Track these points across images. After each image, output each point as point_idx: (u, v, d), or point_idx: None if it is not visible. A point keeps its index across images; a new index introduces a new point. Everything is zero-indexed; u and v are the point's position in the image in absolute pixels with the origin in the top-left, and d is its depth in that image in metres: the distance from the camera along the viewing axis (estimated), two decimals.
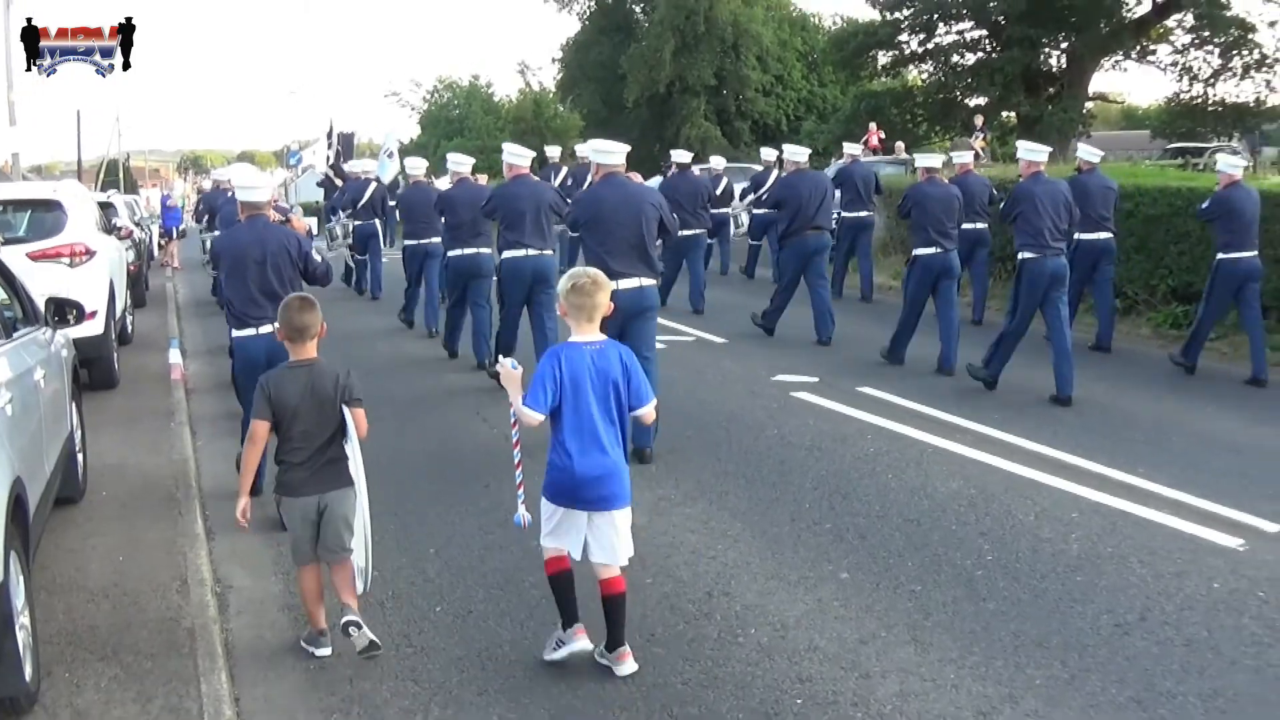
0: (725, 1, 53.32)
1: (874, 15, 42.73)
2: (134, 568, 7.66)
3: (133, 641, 6.46)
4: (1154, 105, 53.03)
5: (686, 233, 18.42)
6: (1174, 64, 39.22)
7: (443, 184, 18.35)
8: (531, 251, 12.60)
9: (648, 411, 6.29)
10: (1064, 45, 39.59)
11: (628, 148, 10.77)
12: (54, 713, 5.67)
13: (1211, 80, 38.43)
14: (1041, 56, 39.77)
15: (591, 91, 60.18)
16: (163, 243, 37.54)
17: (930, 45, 42.44)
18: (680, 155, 20.98)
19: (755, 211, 23.43)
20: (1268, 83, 37.90)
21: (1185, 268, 15.79)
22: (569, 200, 12.91)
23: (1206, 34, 37.51)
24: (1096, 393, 12.84)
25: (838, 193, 19.71)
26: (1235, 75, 37.99)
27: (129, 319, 17.81)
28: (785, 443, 10.70)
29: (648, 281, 10.12)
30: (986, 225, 17.17)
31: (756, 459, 10.18)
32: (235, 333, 8.98)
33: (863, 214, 20.36)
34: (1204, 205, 14.22)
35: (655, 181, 22.67)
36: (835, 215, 19.90)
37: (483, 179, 19.65)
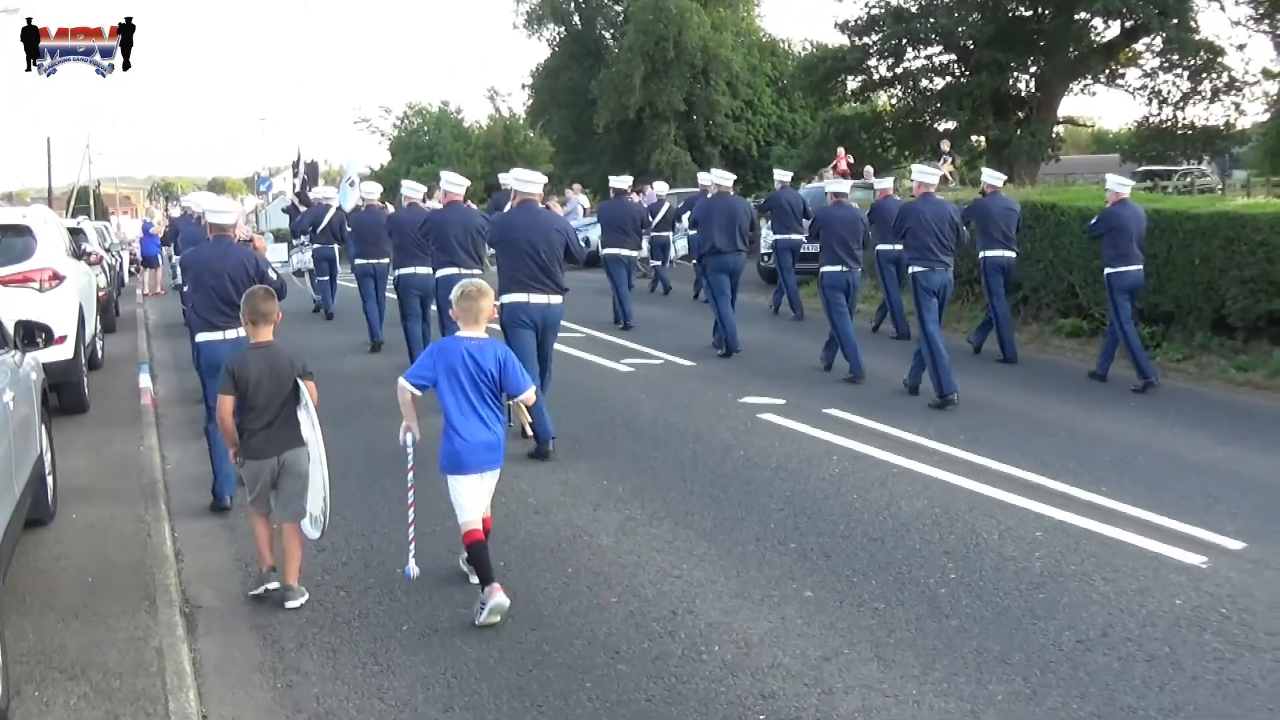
0: (695, 27, 53.32)
1: (843, 40, 42.61)
2: (103, 588, 7.70)
3: (101, 660, 6.51)
4: (1124, 129, 53.25)
5: (618, 251, 20.84)
6: (1143, 88, 39.26)
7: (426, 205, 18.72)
8: (463, 270, 13.79)
9: (527, 397, 7.52)
10: (1033, 69, 39.53)
11: (544, 178, 12.48)
12: None
13: (1181, 103, 38.52)
14: (1010, 81, 39.69)
15: (562, 117, 60.20)
16: (133, 270, 37.50)
17: (899, 70, 42.37)
18: (617, 181, 22.58)
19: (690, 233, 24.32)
20: (1236, 106, 37.98)
21: (1152, 289, 15.95)
22: None
23: (1175, 57, 37.60)
24: (1064, 414, 12.98)
25: (766, 216, 21.90)
26: (1204, 98, 38.09)
27: (99, 344, 17.82)
28: (751, 463, 10.78)
29: (555, 299, 11.56)
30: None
31: (723, 479, 10.26)
32: (199, 337, 9.83)
33: (793, 236, 21.14)
34: (1092, 222, 15.39)
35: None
36: (769, 238, 22.36)
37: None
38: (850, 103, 46.74)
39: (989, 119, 38.89)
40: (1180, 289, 15.82)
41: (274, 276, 10.06)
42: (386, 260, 18.25)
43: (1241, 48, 37.06)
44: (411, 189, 17.49)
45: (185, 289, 10.68)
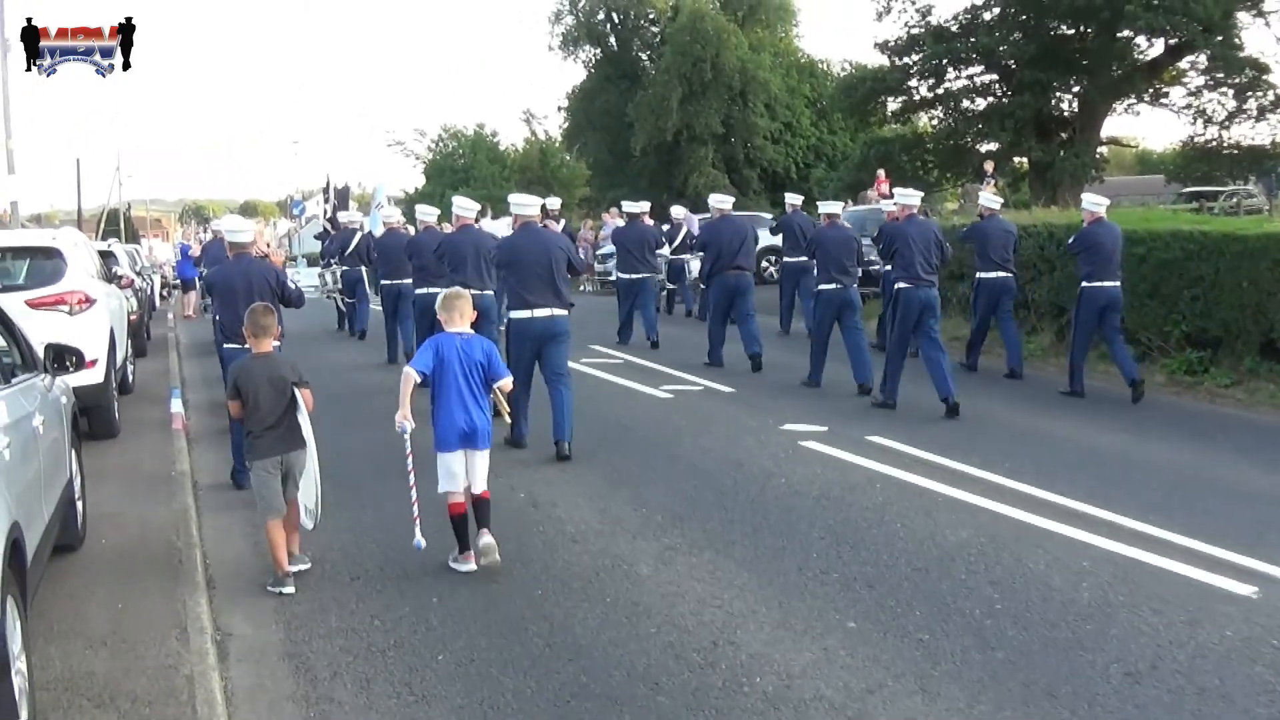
0: (732, 48, 53.48)
1: (883, 61, 42.55)
2: (133, 615, 7.69)
3: (130, 689, 6.49)
4: (1169, 149, 52.91)
5: (634, 276, 21.78)
6: (1188, 107, 38.90)
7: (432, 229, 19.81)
8: (474, 291, 13.74)
9: (505, 384, 8.84)
10: (1076, 89, 39.34)
11: (541, 201, 14.05)
12: None
13: (1226, 123, 38.13)
14: (1053, 101, 39.55)
15: (598, 140, 60.41)
16: (164, 294, 37.70)
17: (940, 91, 42.30)
18: (631, 206, 23.82)
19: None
20: None
21: (1200, 313, 15.83)
22: None
23: (1220, 76, 37.24)
24: (1111, 441, 12.88)
25: (779, 239, 22.91)
26: (1250, 117, 37.70)
27: (130, 368, 17.90)
28: (793, 492, 10.72)
29: (559, 311, 12.61)
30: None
31: (764, 508, 10.20)
32: (226, 345, 11.45)
33: (802, 259, 21.24)
34: (1071, 240, 16.37)
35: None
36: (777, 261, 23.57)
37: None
38: (891, 124, 46.71)
39: (1031, 140, 38.75)
40: (1228, 312, 15.67)
41: (292, 287, 11.77)
42: (409, 281, 18.97)
43: None
44: (427, 213, 19.08)
45: (214, 302, 12.20)
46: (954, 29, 40.36)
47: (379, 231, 24.05)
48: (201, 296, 26.62)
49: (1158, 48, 38.27)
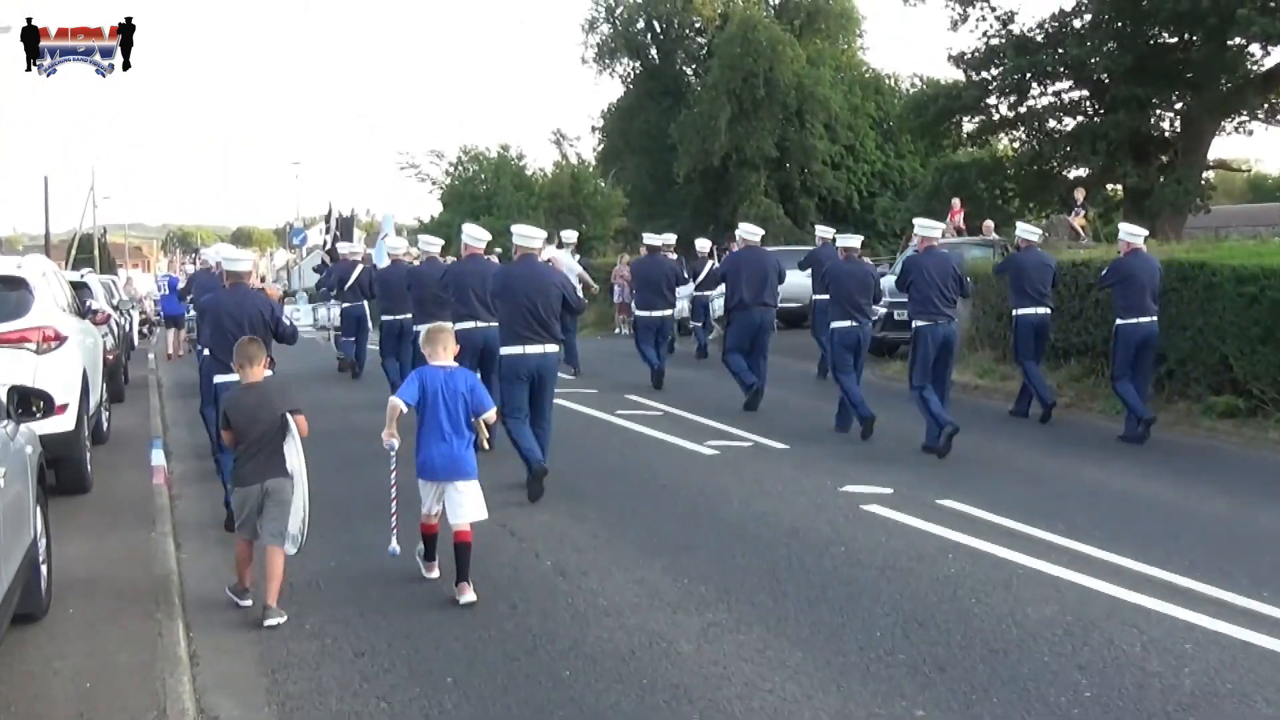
0: (788, 62, 53.37)
1: (958, 76, 42.38)
2: (104, 696, 7.70)
3: None
4: None
5: (653, 314, 23.15)
6: None
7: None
8: (480, 324, 15.92)
9: (489, 415, 10.07)
10: (1178, 106, 38.94)
11: (544, 233, 15.22)
12: None
13: None
14: (1152, 119, 39.08)
15: (636, 164, 60.41)
16: (144, 331, 37.84)
17: (1023, 109, 42.07)
18: (651, 239, 25.05)
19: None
20: None
21: None
22: None
23: None
24: (1216, 507, 12.82)
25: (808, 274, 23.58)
26: None
27: (105, 414, 17.98)
28: (854, 562, 10.69)
29: (551, 348, 13.88)
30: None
31: (821, 580, 10.17)
32: (218, 378, 12.21)
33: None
34: (1103, 273, 17.45)
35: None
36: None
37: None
38: (966, 147, 46.62)
39: (1127, 164, 38.33)
40: None
41: (287, 323, 12.96)
42: (410, 316, 19.93)
43: None
44: (430, 243, 20.78)
45: (205, 331, 12.92)
46: (1039, 39, 40.06)
47: (384, 263, 24.42)
48: (188, 333, 27.11)
49: (1275, 57, 37.72)
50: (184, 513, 13.37)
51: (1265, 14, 33.50)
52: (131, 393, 24.42)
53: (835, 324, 17.51)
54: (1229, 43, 36.37)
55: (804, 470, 14.78)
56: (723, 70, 53.41)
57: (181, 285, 32.92)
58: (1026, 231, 19.20)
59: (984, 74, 41.35)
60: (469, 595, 9.52)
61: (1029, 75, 40.43)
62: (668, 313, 23.49)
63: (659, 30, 61.64)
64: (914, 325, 16.23)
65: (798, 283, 25.02)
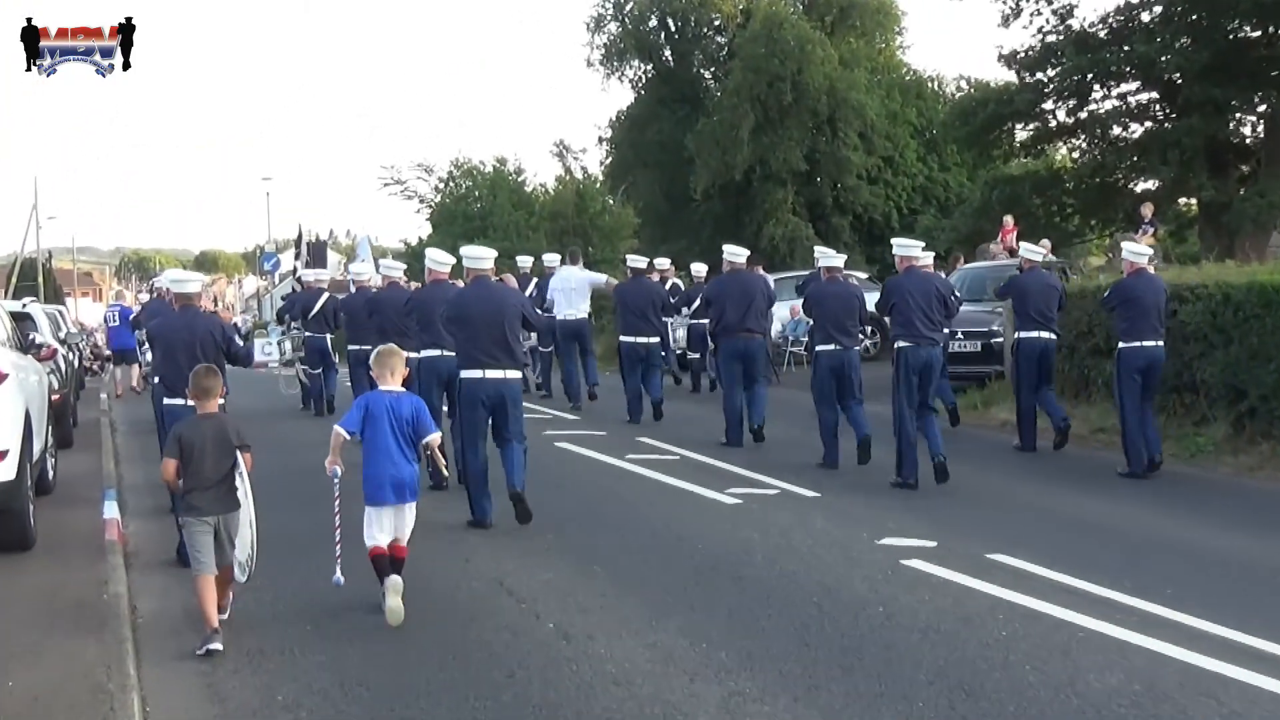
0: (819, 63, 53.00)
1: (1010, 77, 42.14)
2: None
3: None
4: None
5: (637, 340, 23.88)
6: None
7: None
8: (446, 352, 16.52)
9: (433, 439, 11.44)
10: (1261, 109, 38.34)
11: (494, 253, 15.90)
12: None
13: None
14: (1231, 124, 38.71)
15: (649, 179, 60.17)
16: (95, 368, 37.88)
17: (1083, 114, 41.78)
18: (635, 260, 26.31)
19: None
20: None
21: None
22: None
23: None
24: None
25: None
26: None
27: (50, 462, 17.96)
28: (893, 623, 10.71)
29: (511, 373, 14.82)
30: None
31: (856, 644, 10.18)
32: (167, 401, 13.53)
33: None
34: (1105, 294, 18.30)
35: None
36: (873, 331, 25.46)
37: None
38: (1019, 158, 46.48)
39: (1202, 176, 37.68)
40: None
41: (240, 344, 14.21)
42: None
43: None
44: (391, 268, 22.01)
45: (155, 356, 14.36)
46: (1102, 35, 39.75)
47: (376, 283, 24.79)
48: (143, 367, 27.50)
49: None
50: (141, 574, 13.25)
51: None
52: (81, 437, 24.45)
53: (819, 348, 18.68)
54: None
55: (837, 521, 14.80)
56: (745, 73, 53.30)
57: (134, 315, 33.08)
58: (1030, 251, 20.43)
59: (1039, 75, 41.16)
60: (395, 577, 10.89)
61: (1090, 76, 40.14)
62: (654, 339, 24.15)
63: (673, 29, 61.50)
64: (895, 347, 17.26)
65: None
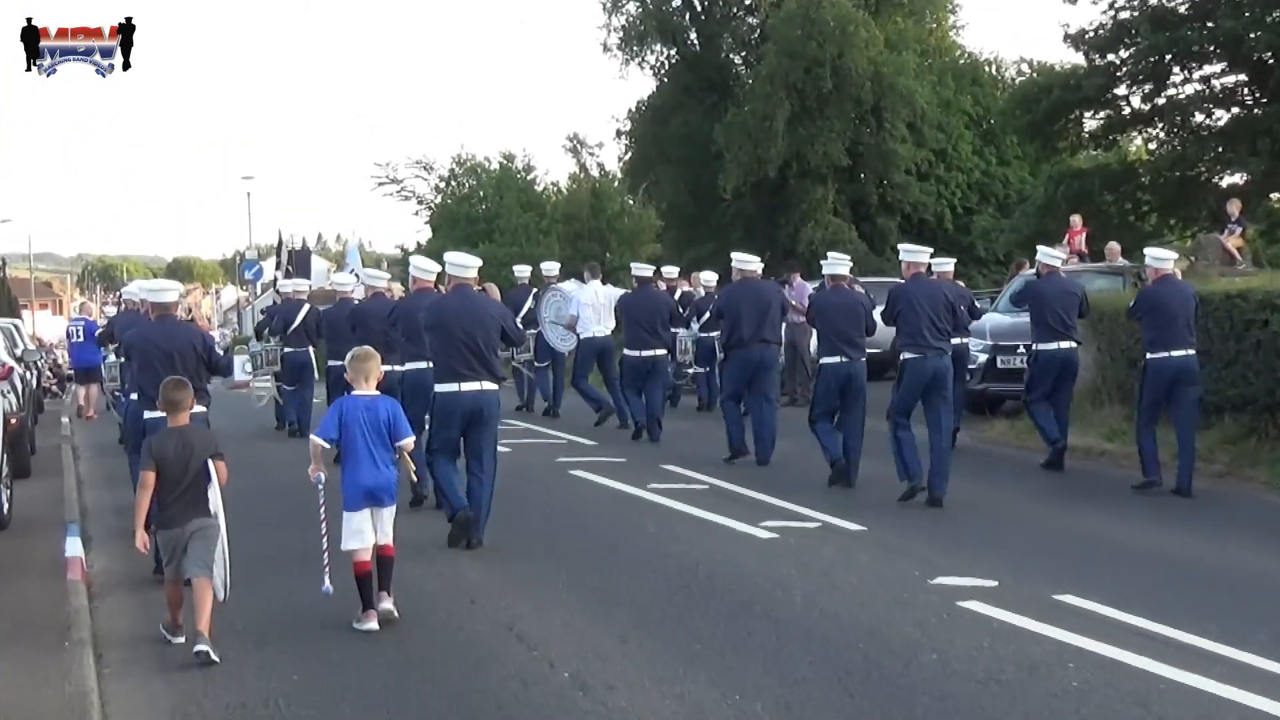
0: (862, 46, 52.39)
1: (1077, 60, 41.91)
2: None
3: None
4: None
5: (643, 353, 24.35)
6: None
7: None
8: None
9: (407, 443, 12.29)
10: None
11: (479, 262, 16.70)
12: None
13: None
14: None
15: (672, 177, 59.82)
16: (54, 389, 37.96)
17: (1161, 100, 41.61)
18: (640, 269, 26.51)
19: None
20: None
21: None
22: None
23: None
24: None
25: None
26: None
27: (5, 493, 18.02)
28: (949, 672, 10.67)
29: (488, 386, 15.47)
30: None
31: (908, 694, 10.16)
32: (148, 414, 13.92)
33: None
34: (1131, 304, 18.98)
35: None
36: None
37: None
38: (1088, 150, 46.32)
39: None
40: None
41: (220, 353, 15.11)
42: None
43: None
44: (374, 277, 23.20)
45: (133, 368, 14.81)
46: (1182, 9, 39.61)
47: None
48: (109, 382, 27.60)
49: None
50: (107, 615, 13.27)
51: None
52: (40, 465, 24.45)
53: (824, 360, 19.43)
54: None
55: (884, 558, 14.79)
56: (780, 58, 53.00)
57: (101, 330, 33.18)
58: (1047, 255, 21.21)
59: (1111, 57, 40.98)
60: (388, 604, 11.98)
61: (1169, 57, 39.92)
62: (660, 352, 24.80)
63: (700, 8, 61.11)
64: (901, 357, 17.96)
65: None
